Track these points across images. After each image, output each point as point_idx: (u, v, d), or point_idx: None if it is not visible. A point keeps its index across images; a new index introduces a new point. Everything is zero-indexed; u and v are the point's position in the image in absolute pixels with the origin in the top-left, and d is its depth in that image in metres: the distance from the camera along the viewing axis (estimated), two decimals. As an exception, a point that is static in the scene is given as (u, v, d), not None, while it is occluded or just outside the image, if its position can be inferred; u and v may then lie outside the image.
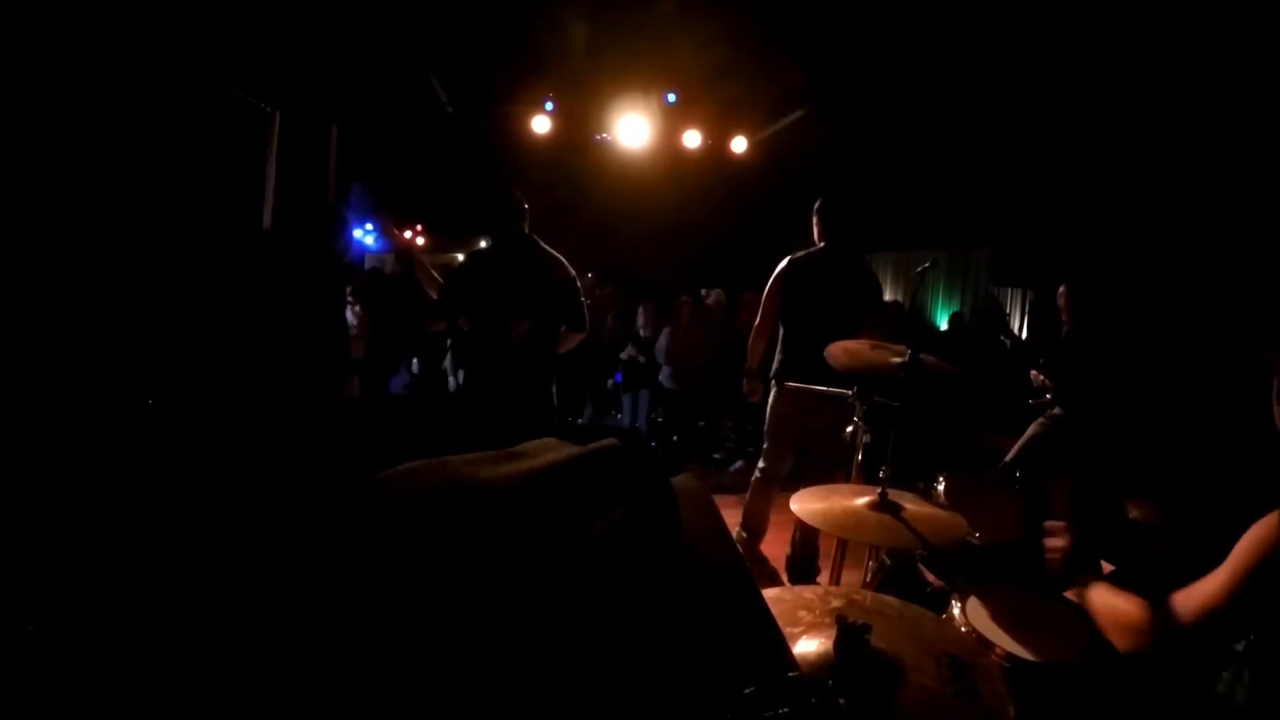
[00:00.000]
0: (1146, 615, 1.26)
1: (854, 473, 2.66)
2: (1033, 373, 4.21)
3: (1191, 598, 1.21)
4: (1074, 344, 4.16)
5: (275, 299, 3.14)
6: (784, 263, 3.54)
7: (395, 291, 6.51)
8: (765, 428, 3.66)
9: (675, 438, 6.30)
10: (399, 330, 6.50)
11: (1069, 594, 1.85)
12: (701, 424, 6.47)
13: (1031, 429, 4.17)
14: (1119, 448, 3.54)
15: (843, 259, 3.48)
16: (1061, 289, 4.31)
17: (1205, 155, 4.62)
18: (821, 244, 3.53)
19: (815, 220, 3.58)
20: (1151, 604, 1.27)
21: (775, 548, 4.23)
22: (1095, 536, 1.50)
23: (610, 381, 6.83)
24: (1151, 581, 1.47)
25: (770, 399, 3.62)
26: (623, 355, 6.51)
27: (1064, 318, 4.30)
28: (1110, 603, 1.36)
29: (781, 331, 3.56)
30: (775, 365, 3.59)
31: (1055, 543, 1.54)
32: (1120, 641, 1.31)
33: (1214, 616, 1.17)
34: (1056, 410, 4.06)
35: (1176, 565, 1.63)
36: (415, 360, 6.73)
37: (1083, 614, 1.75)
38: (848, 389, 2.65)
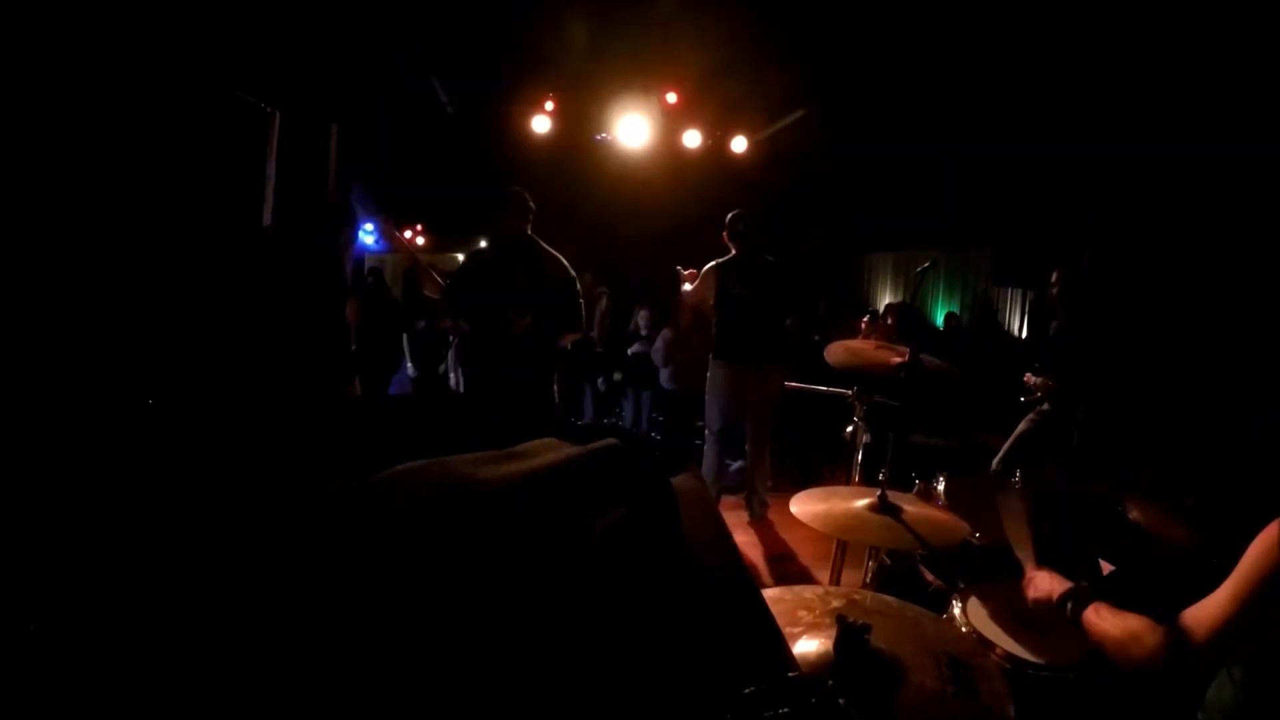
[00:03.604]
0: (1153, 635, 1.21)
1: (854, 473, 2.66)
2: (1026, 375, 4.20)
3: (1198, 616, 1.16)
4: (1067, 338, 4.18)
5: (276, 299, 3.14)
6: (714, 264, 4.35)
7: (387, 290, 6.50)
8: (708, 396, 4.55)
9: (677, 442, 6.29)
10: (394, 330, 6.49)
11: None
12: (701, 424, 6.46)
13: (1021, 425, 4.18)
14: (1113, 444, 3.55)
15: (751, 263, 4.32)
16: (1055, 275, 4.30)
17: (1205, 153, 4.62)
18: (734, 253, 4.34)
19: (726, 235, 4.37)
20: (1155, 622, 1.22)
21: (777, 547, 4.24)
22: (1093, 537, 1.49)
23: (600, 380, 6.81)
24: (1149, 584, 1.47)
25: (710, 371, 4.50)
26: (630, 351, 6.50)
27: (1056, 306, 4.31)
28: (1110, 624, 1.29)
29: (714, 320, 4.43)
30: (712, 347, 4.47)
31: (1037, 594, 1.49)
32: (1124, 662, 1.25)
33: (1224, 633, 1.13)
34: (1045, 406, 4.08)
35: (1175, 566, 1.63)
36: (409, 364, 6.71)
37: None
38: (847, 389, 2.65)
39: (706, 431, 4.64)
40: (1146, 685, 1.49)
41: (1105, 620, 1.31)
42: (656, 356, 6.20)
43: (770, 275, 4.37)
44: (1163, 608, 1.25)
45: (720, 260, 4.38)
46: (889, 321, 6.06)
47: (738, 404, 4.51)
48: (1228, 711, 1.24)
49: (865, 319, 6.05)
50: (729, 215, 4.40)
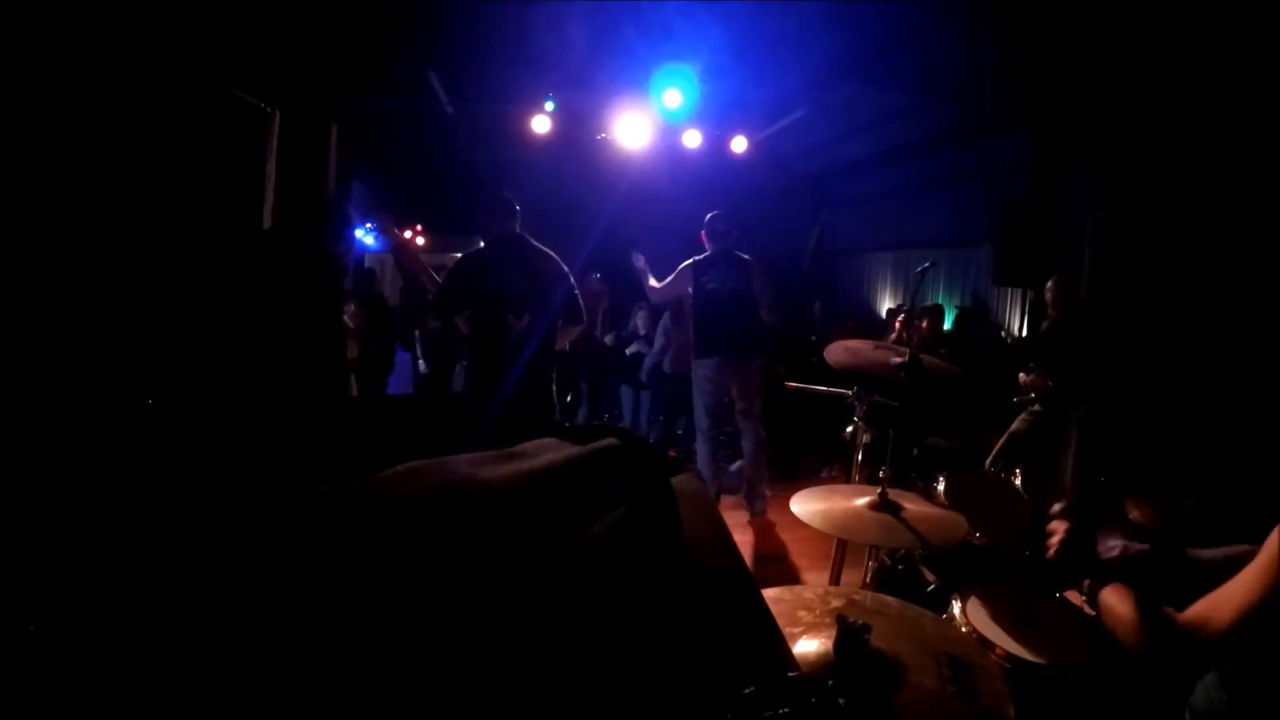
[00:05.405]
0: (1162, 621, 1.21)
1: (854, 473, 2.66)
2: (1021, 375, 4.23)
3: (1212, 607, 1.16)
4: (1058, 336, 4.23)
5: (275, 299, 3.14)
6: (689, 262, 4.63)
7: (381, 290, 6.48)
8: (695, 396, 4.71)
9: (678, 433, 6.29)
10: (388, 330, 6.48)
11: (1072, 593, 1.85)
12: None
13: (1014, 424, 4.22)
14: (1113, 444, 3.55)
15: (723, 258, 4.59)
16: (1051, 282, 4.36)
17: (1206, 151, 4.62)
18: (709, 250, 4.62)
19: (703, 234, 4.65)
20: (1171, 611, 1.22)
21: (777, 547, 4.24)
22: (1092, 532, 1.48)
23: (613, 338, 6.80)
24: (1149, 583, 1.46)
25: (694, 372, 4.65)
26: (630, 351, 6.49)
27: (1050, 310, 4.35)
28: (1123, 608, 1.29)
29: (692, 315, 4.65)
30: (693, 342, 4.67)
31: (1054, 536, 1.50)
32: (1131, 644, 1.26)
33: (1239, 625, 1.11)
34: (1037, 406, 4.11)
35: (1175, 564, 1.63)
36: (421, 361, 6.73)
37: (1082, 615, 1.75)
38: (848, 389, 2.65)
39: (697, 432, 4.76)
40: (1145, 685, 1.49)
41: (1122, 604, 1.30)
42: (657, 356, 6.20)
43: (743, 269, 4.60)
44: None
45: (695, 258, 4.62)
46: (923, 324, 5.75)
47: (724, 401, 4.65)
48: (1217, 716, 1.24)
49: (899, 319, 5.84)
50: (708, 215, 4.64)
